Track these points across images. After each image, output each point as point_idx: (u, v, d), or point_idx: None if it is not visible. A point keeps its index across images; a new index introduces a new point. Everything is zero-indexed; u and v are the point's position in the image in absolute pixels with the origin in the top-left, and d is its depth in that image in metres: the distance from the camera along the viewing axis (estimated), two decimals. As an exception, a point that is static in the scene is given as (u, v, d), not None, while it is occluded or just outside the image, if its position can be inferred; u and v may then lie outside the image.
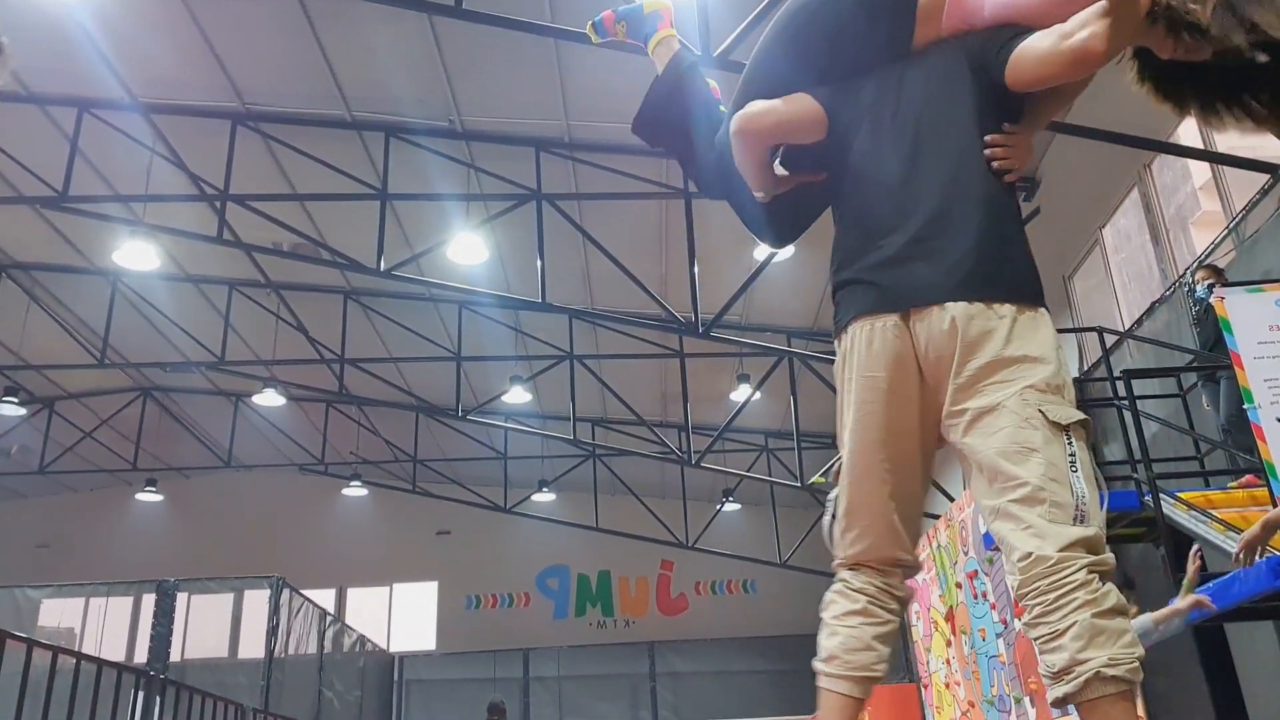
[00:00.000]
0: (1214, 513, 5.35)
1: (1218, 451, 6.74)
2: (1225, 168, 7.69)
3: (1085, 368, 9.71)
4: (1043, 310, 2.13)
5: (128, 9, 9.34)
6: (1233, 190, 7.74)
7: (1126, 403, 6.16)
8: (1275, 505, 4.65)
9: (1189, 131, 8.15)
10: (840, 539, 2.20)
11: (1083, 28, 2.02)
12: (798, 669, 19.46)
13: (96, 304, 14.02)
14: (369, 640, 15.97)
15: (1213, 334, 6.29)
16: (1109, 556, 1.91)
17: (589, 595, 21.58)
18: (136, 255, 12.21)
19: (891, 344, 2.10)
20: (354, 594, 21.36)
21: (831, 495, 2.22)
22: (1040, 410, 1.96)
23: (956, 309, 2.03)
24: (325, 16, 9.42)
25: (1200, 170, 8.25)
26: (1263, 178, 7.08)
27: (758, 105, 2.36)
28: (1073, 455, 1.94)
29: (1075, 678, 1.82)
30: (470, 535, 21.22)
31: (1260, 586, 4.35)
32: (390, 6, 8.02)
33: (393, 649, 19.60)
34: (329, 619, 13.09)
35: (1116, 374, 6.69)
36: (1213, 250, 7.63)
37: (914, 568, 2.23)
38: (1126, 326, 9.08)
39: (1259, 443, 4.75)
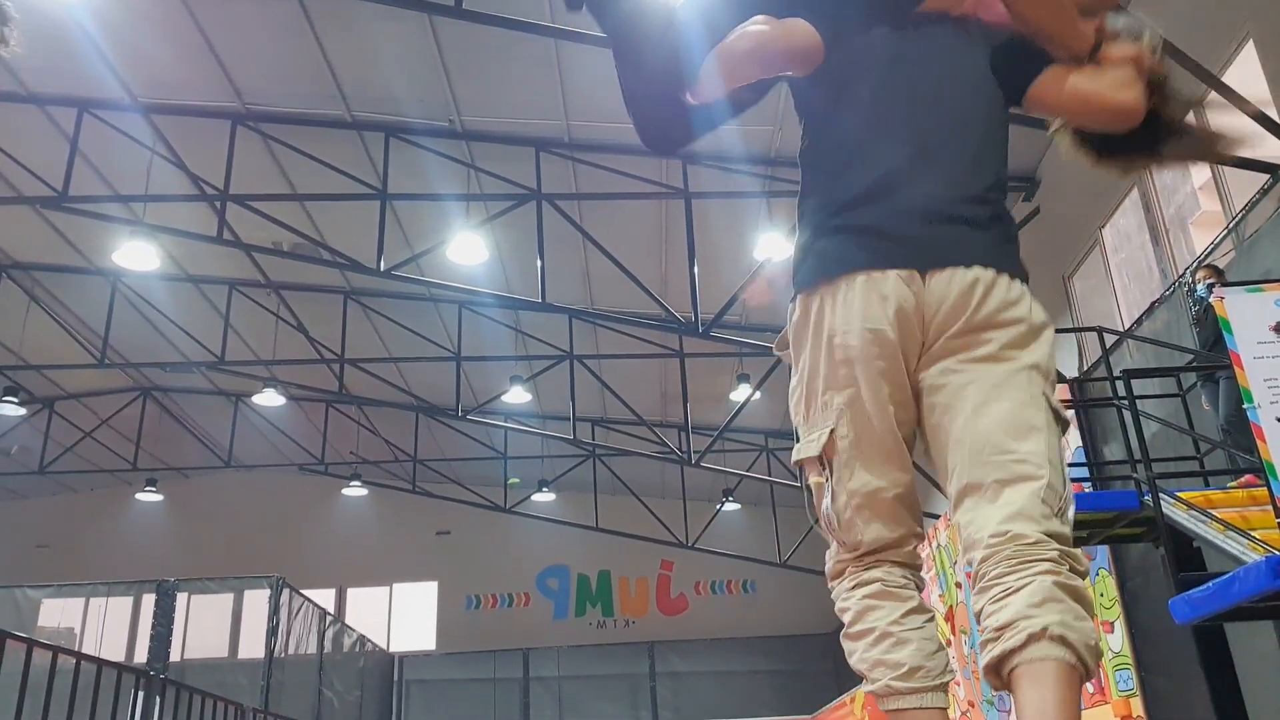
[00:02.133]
0: (1214, 512, 5.34)
1: (1217, 451, 6.73)
2: (1225, 168, 7.69)
3: (1085, 367, 9.71)
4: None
5: (127, 9, 9.35)
6: (1232, 190, 7.74)
7: (1126, 402, 6.15)
8: (1275, 505, 4.65)
9: (1189, 131, 8.14)
10: (848, 526, 1.91)
11: (1128, 85, 2.02)
12: (798, 669, 19.62)
13: (96, 304, 14.03)
14: (369, 640, 15.97)
15: (1212, 334, 6.29)
16: (1083, 558, 1.76)
17: (589, 595, 21.58)
18: (136, 255, 12.22)
19: (902, 298, 1.88)
20: (354, 594, 21.37)
21: (826, 479, 1.95)
22: (1044, 394, 1.82)
23: (984, 274, 1.89)
24: (325, 17, 9.42)
25: (1200, 170, 8.25)
26: (1262, 178, 7.08)
27: (758, 29, 2.06)
28: (1062, 449, 1.79)
29: (1018, 632, 1.61)
30: (470, 535, 21.23)
31: (1260, 586, 4.34)
32: (390, 6, 8.03)
33: (393, 649, 19.61)
34: (329, 619, 13.09)
35: (1116, 374, 6.69)
36: (1212, 250, 7.63)
37: (921, 538, 2.01)
38: (1126, 326, 9.08)
39: (1258, 443, 4.74)
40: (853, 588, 1.91)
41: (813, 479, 1.98)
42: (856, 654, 1.87)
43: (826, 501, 1.94)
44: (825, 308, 1.94)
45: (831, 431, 1.92)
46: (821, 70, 2.10)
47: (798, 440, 2.03)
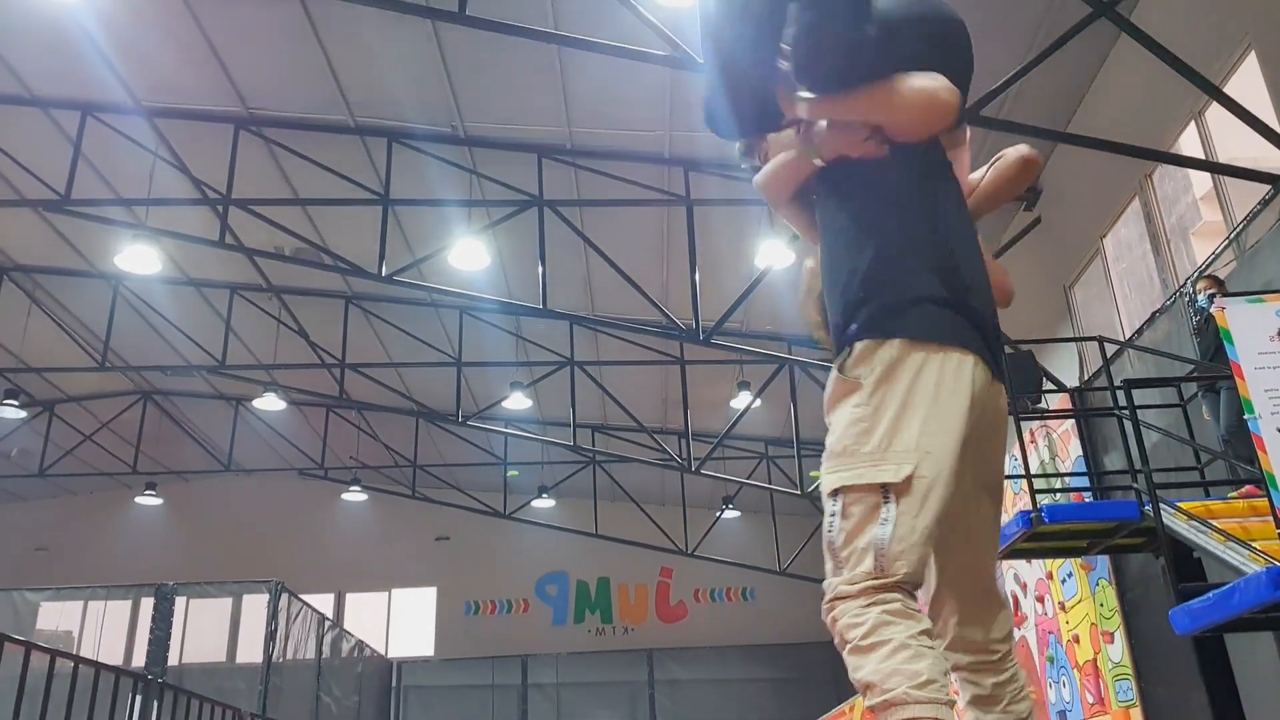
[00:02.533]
0: (1214, 523, 5.34)
1: (1218, 462, 6.74)
2: (1226, 178, 7.70)
3: (1086, 377, 9.71)
4: None
5: (131, 13, 9.37)
6: (1234, 200, 7.74)
7: (1127, 412, 6.15)
8: (1275, 516, 4.64)
9: (1190, 142, 8.16)
10: (896, 557, 1.97)
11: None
12: (797, 677, 19.58)
13: (98, 307, 14.04)
14: (367, 645, 15.95)
15: (1213, 344, 6.29)
16: None
17: (588, 602, 21.55)
18: (138, 259, 12.21)
19: (985, 392, 2.17)
20: (353, 599, 21.33)
21: (886, 508, 2.02)
22: None
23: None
24: (329, 21, 9.44)
25: (1201, 180, 8.26)
26: (1264, 188, 7.08)
27: (956, 92, 2.21)
28: None
29: None
30: (469, 541, 21.20)
31: (1260, 597, 4.34)
32: (393, 12, 8.04)
33: (391, 654, 19.55)
34: (327, 624, 13.07)
35: (1117, 383, 6.69)
36: (1213, 260, 7.63)
37: None
38: (1127, 336, 9.08)
39: (1259, 453, 4.73)
40: (868, 605, 1.93)
41: (859, 503, 2.02)
42: (868, 666, 1.87)
43: (882, 530, 1.99)
44: (931, 364, 2.08)
45: (913, 470, 2.02)
46: (916, 150, 2.25)
47: (845, 460, 2.07)
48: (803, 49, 2.16)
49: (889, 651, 1.86)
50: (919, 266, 2.15)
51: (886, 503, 1.99)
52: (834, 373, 2.16)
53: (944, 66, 2.25)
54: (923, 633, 1.90)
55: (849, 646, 1.91)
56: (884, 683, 1.83)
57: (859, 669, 1.88)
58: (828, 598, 1.99)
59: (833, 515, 2.04)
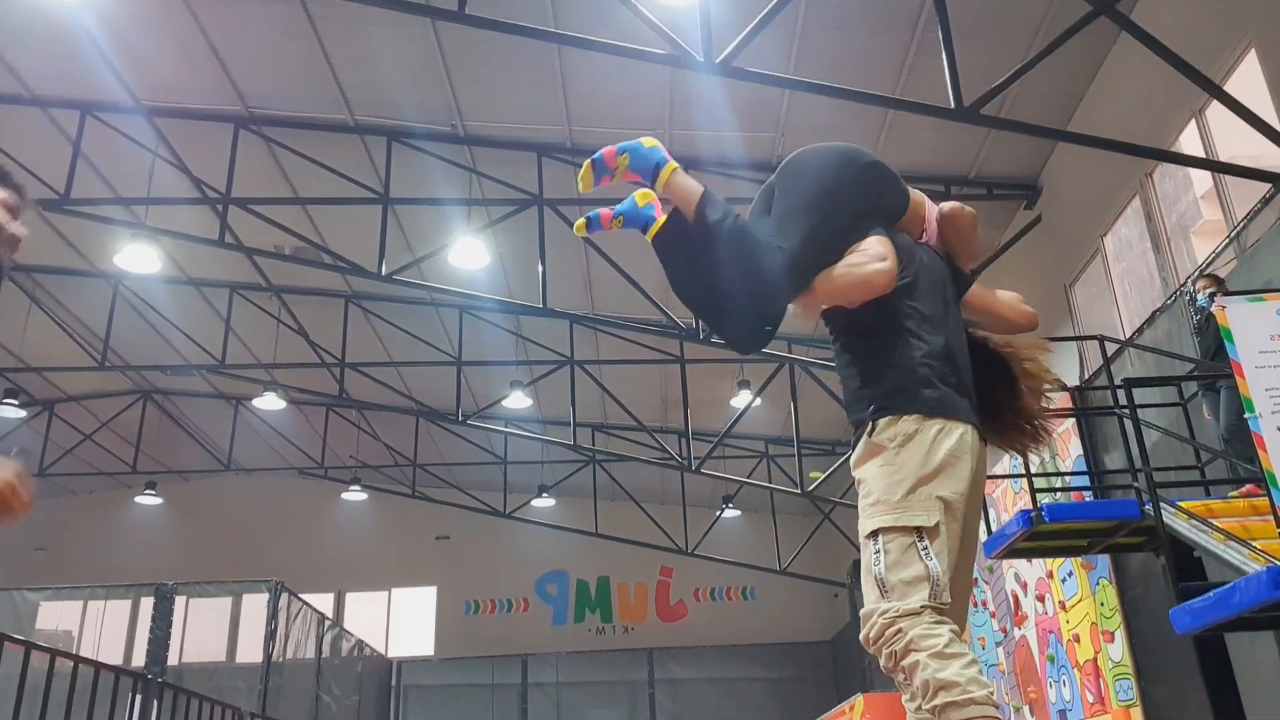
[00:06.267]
0: (1214, 522, 5.34)
1: (1218, 460, 6.73)
2: (1227, 176, 7.69)
3: (1086, 376, 9.71)
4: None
5: (131, 12, 9.36)
6: (1234, 199, 7.74)
7: (1127, 411, 6.15)
8: (1276, 514, 4.64)
9: (1190, 140, 8.15)
10: (944, 586, 2.41)
11: (1021, 306, 3.15)
12: (797, 676, 19.59)
13: (97, 306, 14.03)
14: (367, 645, 15.94)
15: (1214, 343, 6.28)
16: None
17: (588, 601, 21.55)
18: (138, 258, 12.21)
19: (981, 451, 2.67)
20: (353, 598, 21.33)
21: (924, 545, 2.42)
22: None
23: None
24: (328, 21, 9.43)
25: (1202, 179, 8.25)
26: (1264, 187, 7.08)
27: (886, 261, 2.65)
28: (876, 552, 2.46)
29: None
30: (469, 540, 21.21)
31: (1261, 596, 4.33)
32: (393, 11, 8.04)
33: (391, 654, 19.53)
34: (327, 623, 13.06)
35: (1117, 382, 6.68)
36: (1214, 259, 7.63)
37: None
38: (1127, 335, 9.07)
39: (1260, 452, 4.72)
40: (937, 624, 2.32)
41: (894, 542, 2.43)
42: (952, 668, 2.23)
43: (932, 563, 2.40)
44: (944, 434, 2.53)
45: (940, 518, 2.45)
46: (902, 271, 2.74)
47: (880, 508, 2.48)
48: (774, 292, 2.81)
49: (966, 663, 2.25)
50: (918, 363, 2.62)
51: (921, 542, 2.41)
52: (863, 440, 2.59)
53: (878, 213, 2.80)
54: (972, 660, 2.29)
55: (928, 651, 2.27)
56: (968, 685, 2.21)
57: (941, 670, 2.24)
58: (888, 616, 2.35)
59: (877, 552, 2.43)
